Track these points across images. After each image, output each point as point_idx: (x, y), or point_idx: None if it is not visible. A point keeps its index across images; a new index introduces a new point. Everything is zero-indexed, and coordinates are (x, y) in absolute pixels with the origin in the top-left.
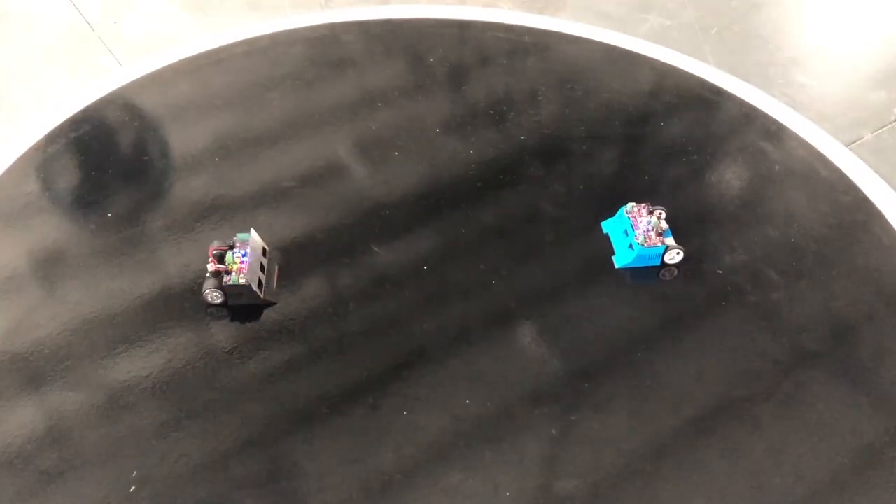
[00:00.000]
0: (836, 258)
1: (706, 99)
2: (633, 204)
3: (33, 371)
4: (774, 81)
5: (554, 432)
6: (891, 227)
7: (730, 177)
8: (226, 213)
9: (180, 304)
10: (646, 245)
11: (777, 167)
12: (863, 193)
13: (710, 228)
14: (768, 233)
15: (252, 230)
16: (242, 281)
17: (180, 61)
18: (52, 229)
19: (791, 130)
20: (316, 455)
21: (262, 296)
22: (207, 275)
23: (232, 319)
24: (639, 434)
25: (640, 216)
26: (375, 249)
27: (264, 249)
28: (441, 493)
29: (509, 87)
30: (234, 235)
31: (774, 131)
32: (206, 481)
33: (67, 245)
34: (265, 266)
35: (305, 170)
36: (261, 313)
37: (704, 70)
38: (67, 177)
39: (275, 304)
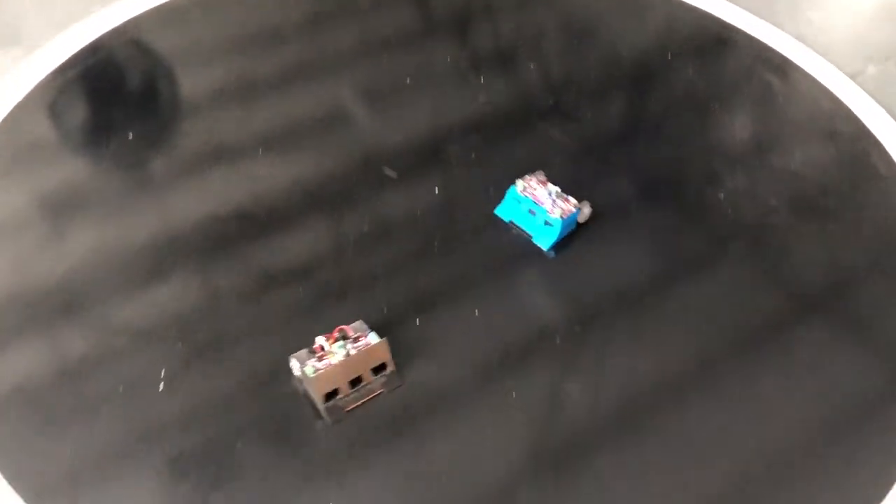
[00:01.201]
0: (836, 186)
1: (713, 32)
2: (522, 182)
3: (44, 307)
4: (781, 15)
5: (558, 341)
6: (890, 157)
7: (735, 110)
8: (233, 155)
9: (189, 241)
10: (564, 216)
11: (780, 99)
12: (863, 125)
13: (714, 160)
14: (771, 163)
15: (382, 340)
16: (301, 387)
17: None
18: (61, 165)
19: (796, 64)
20: None
21: (324, 415)
22: (316, 345)
23: (239, 259)
24: (643, 366)
25: (536, 189)
26: (388, 173)
27: (383, 365)
28: (453, 396)
29: (517, 27)
30: (367, 328)
31: (779, 64)
32: (217, 414)
33: (77, 180)
34: (364, 385)
35: (314, 111)
36: (268, 254)
37: (712, 4)
38: (78, 111)
39: (339, 421)
